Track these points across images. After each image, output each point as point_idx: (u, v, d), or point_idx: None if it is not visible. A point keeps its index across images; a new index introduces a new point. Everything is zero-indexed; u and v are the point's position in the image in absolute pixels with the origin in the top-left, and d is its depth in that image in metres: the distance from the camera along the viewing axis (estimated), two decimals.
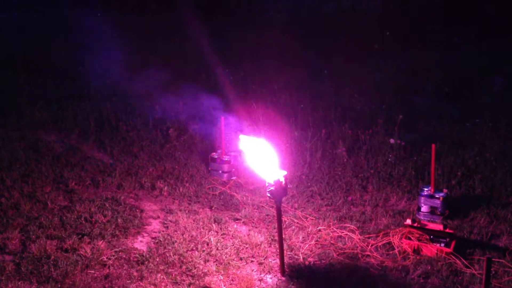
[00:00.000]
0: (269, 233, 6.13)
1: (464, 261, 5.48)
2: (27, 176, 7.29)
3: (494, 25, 12.96)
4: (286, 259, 5.49)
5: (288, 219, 6.42)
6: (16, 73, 11.30)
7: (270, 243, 5.91)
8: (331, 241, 5.97)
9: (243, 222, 6.42)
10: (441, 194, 6.44)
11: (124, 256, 5.58)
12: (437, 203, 6.40)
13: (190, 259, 5.53)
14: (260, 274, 5.40)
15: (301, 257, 5.68)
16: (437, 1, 13.73)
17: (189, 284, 5.18)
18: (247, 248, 5.81)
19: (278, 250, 5.42)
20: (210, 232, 6.05)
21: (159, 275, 5.27)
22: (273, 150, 5.30)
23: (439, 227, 5.86)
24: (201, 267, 5.42)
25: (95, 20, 14.85)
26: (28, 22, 15.11)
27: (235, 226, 6.30)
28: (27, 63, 11.83)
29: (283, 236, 5.58)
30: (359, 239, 5.98)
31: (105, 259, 5.48)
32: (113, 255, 5.56)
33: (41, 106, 9.64)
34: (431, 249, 5.65)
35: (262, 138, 5.48)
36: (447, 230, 5.81)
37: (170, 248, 5.72)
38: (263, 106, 9.22)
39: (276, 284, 5.24)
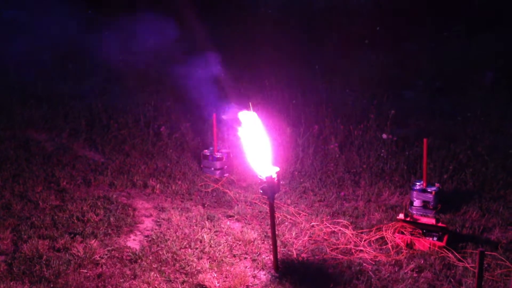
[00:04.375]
0: (262, 229, 6.12)
1: (456, 254, 5.51)
2: (18, 175, 7.24)
3: (484, 19, 12.99)
4: (279, 255, 5.49)
5: (281, 215, 6.42)
6: (6, 72, 11.22)
7: (263, 240, 5.91)
8: (324, 237, 5.98)
9: (236, 219, 6.41)
10: (433, 188, 6.46)
11: (117, 254, 5.56)
12: (429, 197, 6.43)
13: (184, 257, 5.52)
14: (254, 271, 5.39)
15: (295, 253, 5.68)
16: None
17: (183, 282, 5.17)
18: (240, 245, 5.80)
19: (271, 247, 5.42)
20: (203, 230, 6.04)
21: (152, 273, 5.25)
22: (269, 143, 5.29)
23: (432, 221, 5.88)
24: (194, 264, 5.41)
25: (85, 17, 14.78)
26: (17, 20, 14.98)
27: (228, 223, 6.29)
28: (16, 62, 11.73)
29: (276, 232, 5.58)
30: (352, 234, 5.99)
31: (98, 258, 5.46)
32: (106, 254, 5.54)
33: (31, 105, 9.59)
34: (423, 243, 5.68)
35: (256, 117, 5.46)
36: (440, 224, 5.83)
37: (163, 246, 5.71)
38: (254, 102, 9.19)
39: (270, 280, 5.24)
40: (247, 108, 5.60)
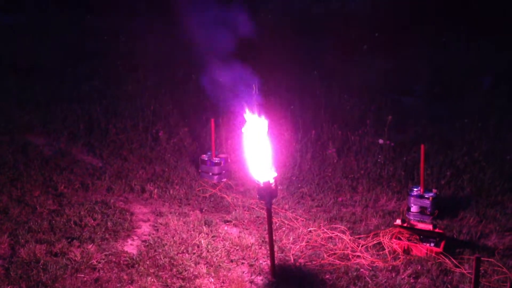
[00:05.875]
0: (260, 234, 6.13)
1: (453, 260, 5.52)
2: (16, 180, 7.24)
3: (482, 24, 13.02)
4: (277, 261, 5.50)
5: (278, 220, 6.43)
6: (4, 75, 11.23)
7: (260, 245, 5.91)
8: (322, 242, 5.99)
9: (233, 224, 6.42)
10: (431, 194, 6.47)
11: (114, 259, 5.56)
12: (427, 203, 6.43)
13: (181, 262, 5.52)
14: (251, 276, 5.39)
15: (292, 259, 5.68)
16: (425, 1, 13.79)
17: (180, 287, 5.17)
18: (237, 250, 5.80)
19: (268, 252, 5.43)
20: (200, 235, 6.04)
21: (150, 278, 5.26)
22: (268, 148, 5.30)
23: (429, 227, 5.88)
24: (191, 269, 5.42)
25: (83, 22, 14.82)
26: (16, 24, 15.01)
27: (225, 228, 6.30)
28: (15, 65, 11.74)
29: (274, 237, 5.59)
30: (349, 239, 5.99)
31: (95, 263, 5.46)
32: (103, 259, 5.54)
33: (30, 109, 9.60)
34: (421, 249, 5.68)
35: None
36: (437, 230, 5.84)
37: (160, 251, 5.71)
38: (252, 107, 9.19)
39: (267, 285, 5.25)
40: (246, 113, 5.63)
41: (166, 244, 5.83)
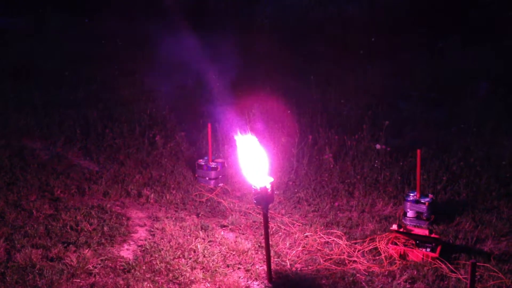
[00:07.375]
0: (256, 239, 6.13)
1: (449, 265, 5.52)
2: (12, 184, 7.24)
3: (478, 30, 13.07)
4: (273, 266, 5.50)
5: (275, 225, 6.43)
6: (1, 79, 11.21)
7: (257, 250, 5.92)
8: (318, 247, 5.99)
9: (230, 229, 6.41)
10: (427, 199, 6.48)
11: (110, 264, 5.56)
12: (423, 208, 6.44)
13: (177, 267, 5.52)
14: (247, 281, 5.39)
15: (288, 264, 5.69)
16: (422, 7, 13.84)
17: None
18: (234, 255, 5.80)
19: (265, 257, 5.43)
20: (197, 239, 6.04)
21: (146, 283, 5.25)
22: (264, 154, 5.30)
23: (425, 232, 5.89)
24: (188, 274, 5.41)
25: (81, 26, 14.83)
26: (14, 27, 15.01)
27: (222, 233, 6.30)
28: (12, 69, 11.73)
29: (270, 242, 5.59)
30: (346, 244, 6.00)
31: (91, 268, 5.45)
32: (99, 264, 5.54)
33: (26, 113, 9.58)
34: (417, 254, 5.69)
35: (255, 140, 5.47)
36: (433, 235, 5.85)
37: (156, 256, 5.71)
38: (249, 112, 9.21)
39: None
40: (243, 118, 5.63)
41: (162, 249, 5.82)
